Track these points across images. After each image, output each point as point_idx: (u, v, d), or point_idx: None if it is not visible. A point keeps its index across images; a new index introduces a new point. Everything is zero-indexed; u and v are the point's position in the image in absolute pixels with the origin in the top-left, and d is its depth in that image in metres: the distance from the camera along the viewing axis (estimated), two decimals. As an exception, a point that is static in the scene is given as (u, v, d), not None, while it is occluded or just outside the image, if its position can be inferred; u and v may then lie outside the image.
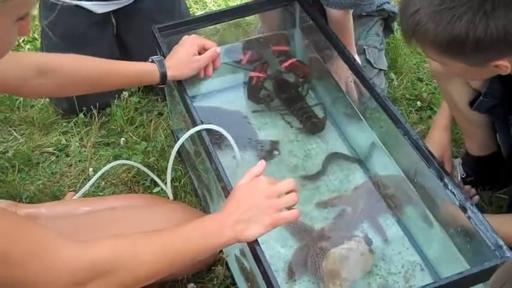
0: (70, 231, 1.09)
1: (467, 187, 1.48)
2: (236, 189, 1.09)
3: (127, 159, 1.63)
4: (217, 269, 1.37)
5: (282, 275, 1.32)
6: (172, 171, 1.41)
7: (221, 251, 1.37)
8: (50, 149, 1.72)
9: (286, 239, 1.38)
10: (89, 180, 1.53)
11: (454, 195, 1.16)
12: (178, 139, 1.35)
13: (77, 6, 1.69)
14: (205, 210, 1.50)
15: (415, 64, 1.96)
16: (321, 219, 1.42)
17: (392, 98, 1.81)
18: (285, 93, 1.66)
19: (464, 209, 1.13)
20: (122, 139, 1.72)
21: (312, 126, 1.61)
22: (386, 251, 1.35)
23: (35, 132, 1.77)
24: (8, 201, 1.46)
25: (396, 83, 1.89)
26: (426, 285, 1.02)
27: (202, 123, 1.30)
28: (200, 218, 1.09)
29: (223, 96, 1.69)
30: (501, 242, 1.07)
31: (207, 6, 2.28)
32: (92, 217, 1.31)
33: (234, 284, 1.36)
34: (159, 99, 1.84)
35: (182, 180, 1.58)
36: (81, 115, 1.77)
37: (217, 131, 1.32)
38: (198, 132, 1.30)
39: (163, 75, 1.40)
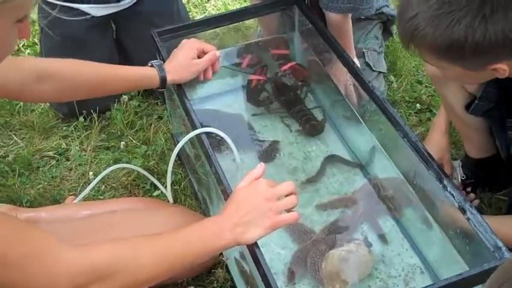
0: (70, 235, 1.09)
1: (471, 195, 1.48)
2: (236, 192, 1.10)
3: (127, 162, 1.63)
4: (217, 272, 1.37)
5: (281, 277, 1.32)
6: (172, 174, 1.42)
7: (221, 253, 1.37)
8: (50, 153, 1.73)
9: (286, 242, 1.38)
10: (89, 184, 1.53)
11: (453, 197, 1.16)
12: (178, 142, 1.35)
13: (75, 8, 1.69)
14: (205, 213, 1.50)
15: (414, 67, 1.97)
16: (320, 222, 1.42)
17: (391, 101, 1.81)
18: (284, 96, 1.66)
19: (463, 211, 1.14)
20: (122, 143, 1.72)
21: (311, 128, 1.61)
22: (386, 253, 1.35)
23: (35, 137, 1.77)
24: (9, 205, 1.47)
25: (395, 85, 1.89)
26: (425, 287, 1.02)
27: (201, 126, 1.31)
28: (200, 221, 1.09)
29: (223, 100, 1.70)
30: (500, 244, 1.07)
31: (206, 10, 2.28)
32: (92, 221, 1.31)
33: (234, 286, 1.37)
34: (158, 103, 1.84)
35: (182, 184, 1.58)
36: (81, 119, 1.78)
37: (217, 134, 1.32)
38: (198, 136, 1.30)
39: (163, 80, 1.40)
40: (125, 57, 1.84)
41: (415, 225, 1.37)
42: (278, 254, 1.36)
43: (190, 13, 2.17)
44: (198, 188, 1.56)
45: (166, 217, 1.32)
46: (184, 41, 1.47)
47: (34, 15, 1.87)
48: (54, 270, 0.89)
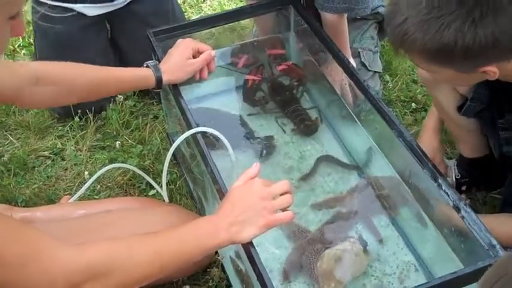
0: (65, 235, 1.09)
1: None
2: (231, 192, 1.10)
3: (122, 162, 1.63)
4: (212, 271, 1.38)
5: (277, 276, 1.33)
6: (167, 174, 1.42)
7: (216, 252, 1.37)
8: (46, 153, 1.73)
9: (281, 241, 1.39)
10: (84, 184, 1.54)
11: (448, 195, 1.16)
12: (173, 142, 1.35)
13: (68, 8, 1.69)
14: (201, 212, 1.50)
15: (409, 66, 1.97)
16: (315, 221, 1.42)
17: (387, 100, 1.82)
18: (280, 95, 1.66)
19: (458, 209, 1.14)
20: (118, 142, 1.72)
21: (306, 128, 1.61)
22: (381, 252, 1.36)
23: (31, 136, 1.77)
24: (4, 205, 1.47)
25: (391, 85, 1.89)
26: (420, 285, 1.03)
27: (197, 126, 1.31)
28: (195, 220, 1.09)
29: (219, 99, 1.70)
30: (494, 242, 1.07)
31: (202, 10, 2.29)
32: (88, 220, 1.31)
33: (230, 285, 1.37)
34: (154, 103, 1.84)
35: (177, 183, 1.58)
36: (77, 119, 1.78)
37: (212, 134, 1.32)
38: (193, 135, 1.30)
39: (159, 80, 1.40)
40: (120, 57, 1.84)
41: (410, 223, 1.37)
42: (273, 253, 1.37)
43: (186, 13, 2.17)
44: (194, 188, 1.56)
45: (162, 216, 1.32)
46: (180, 40, 1.47)
47: (28, 15, 1.87)
48: (50, 269, 0.89)
